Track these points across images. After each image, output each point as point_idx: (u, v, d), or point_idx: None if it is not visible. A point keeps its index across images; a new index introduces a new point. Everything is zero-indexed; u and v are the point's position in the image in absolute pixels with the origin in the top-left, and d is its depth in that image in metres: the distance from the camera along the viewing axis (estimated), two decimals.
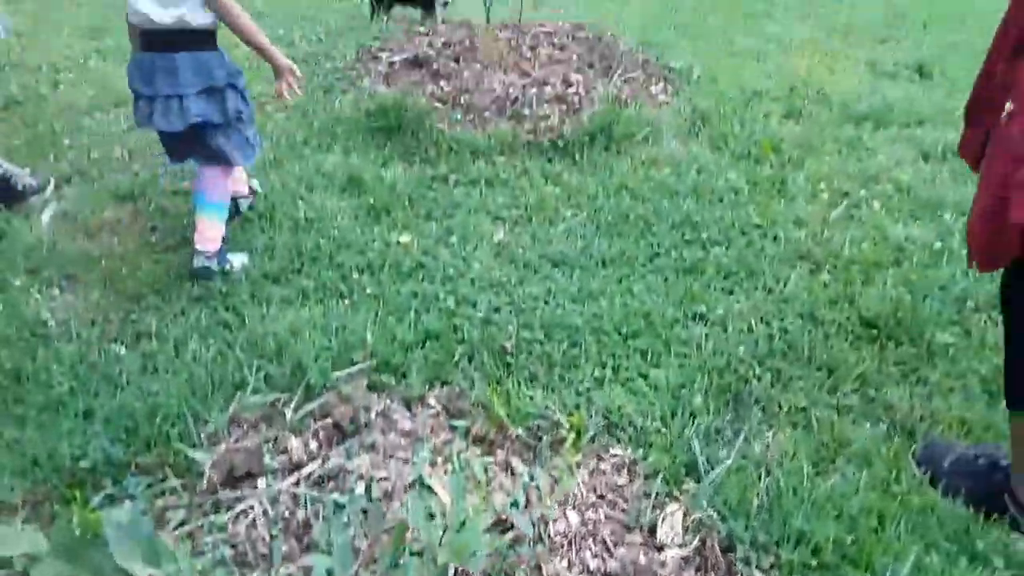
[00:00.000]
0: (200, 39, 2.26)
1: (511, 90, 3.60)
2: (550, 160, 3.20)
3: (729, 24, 4.89)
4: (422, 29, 4.45)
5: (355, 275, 2.41)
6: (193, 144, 2.40)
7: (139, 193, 2.91)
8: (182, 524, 1.50)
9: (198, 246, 2.36)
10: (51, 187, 2.98)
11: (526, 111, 3.47)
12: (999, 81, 1.44)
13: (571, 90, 3.61)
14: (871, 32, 4.73)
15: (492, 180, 3.04)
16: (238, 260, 2.47)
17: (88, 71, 4.08)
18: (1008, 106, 1.38)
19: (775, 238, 2.67)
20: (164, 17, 2.18)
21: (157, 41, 2.22)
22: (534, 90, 3.60)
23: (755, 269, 2.47)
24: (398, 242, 2.66)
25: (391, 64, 3.90)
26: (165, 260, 2.52)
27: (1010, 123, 1.37)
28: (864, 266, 2.48)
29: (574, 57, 3.99)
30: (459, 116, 3.45)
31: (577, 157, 3.18)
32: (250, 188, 2.79)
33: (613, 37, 4.40)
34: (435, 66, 3.80)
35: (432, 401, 1.85)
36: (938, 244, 2.60)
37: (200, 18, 2.22)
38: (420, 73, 3.79)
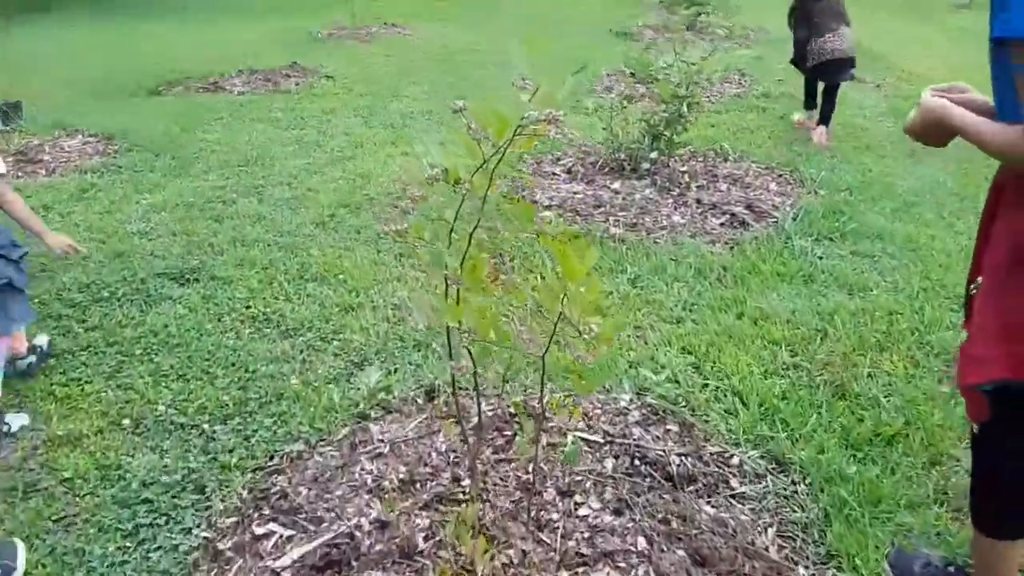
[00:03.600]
0: None
1: None
2: None
3: (910, 374, 2.87)
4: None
5: None
6: None
7: None
8: None
9: None
10: None
11: None
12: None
13: None
14: None
15: None
16: (17, 422, 2.54)
17: None
18: (979, 280, 1.56)
19: None
20: None
21: None
22: None
23: None
24: None
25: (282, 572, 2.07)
26: None
27: (976, 295, 1.57)
28: None
29: (638, 543, 2.05)
30: None
31: None
32: (32, 347, 2.82)
33: (717, 471, 2.45)
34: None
35: None
36: None
37: None
38: None
